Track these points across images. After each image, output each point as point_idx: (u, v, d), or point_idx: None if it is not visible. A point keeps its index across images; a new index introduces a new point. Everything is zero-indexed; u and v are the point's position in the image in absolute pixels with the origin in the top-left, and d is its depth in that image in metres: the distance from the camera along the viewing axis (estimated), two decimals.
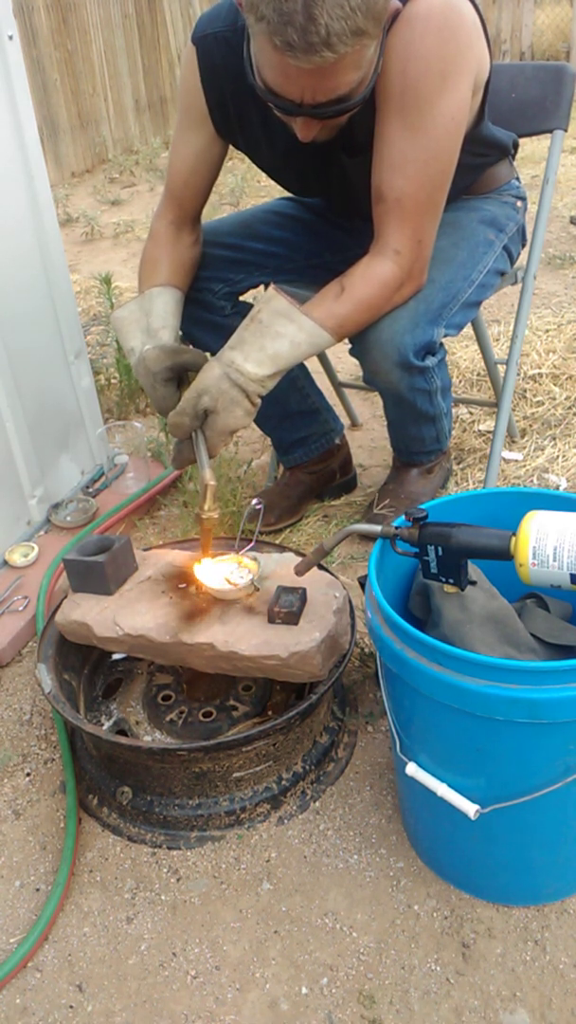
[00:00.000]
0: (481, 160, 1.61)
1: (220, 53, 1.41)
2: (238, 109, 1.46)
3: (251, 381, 1.31)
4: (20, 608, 1.70)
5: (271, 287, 1.35)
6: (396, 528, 1.06)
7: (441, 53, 1.27)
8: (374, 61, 1.24)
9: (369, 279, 1.39)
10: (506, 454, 2.14)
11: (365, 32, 1.12)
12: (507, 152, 1.68)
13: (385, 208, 1.37)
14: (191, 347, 1.43)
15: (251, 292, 1.74)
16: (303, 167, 1.54)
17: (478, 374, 2.56)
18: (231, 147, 1.57)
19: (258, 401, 1.34)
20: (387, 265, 1.39)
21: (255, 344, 1.32)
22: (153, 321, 1.46)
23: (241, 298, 1.74)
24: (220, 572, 1.36)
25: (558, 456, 2.12)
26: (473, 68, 1.33)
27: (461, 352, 2.69)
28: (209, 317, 1.68)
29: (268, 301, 1.33)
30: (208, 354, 1.38)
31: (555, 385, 2.40)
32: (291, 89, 1.20)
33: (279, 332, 1.32)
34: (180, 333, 1.55)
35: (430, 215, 1.40)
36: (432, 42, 1.26)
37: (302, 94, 1.20)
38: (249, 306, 1.72)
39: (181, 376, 1.40)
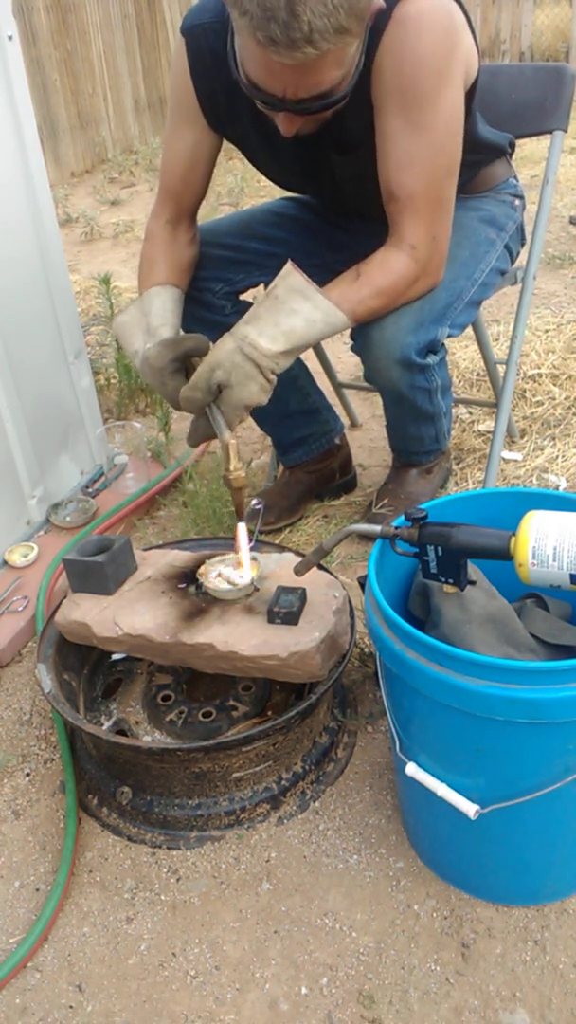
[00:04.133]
0: (475, 158, 1.61)
1: (209, 44, 1.40)
2: (228, 101, 1.45)
3: (265, 356, 1.29)
4: (20, 608, 1.70)
5: (288, 263, 1.34)
6: (396, 528, 1.06)
7: (435, 51, 1.28)
8: (356, 59, 1.25)
9: (386, 269, 1.39)
10: (506, 454, 2.14)
11: (347, 30, 1.13)
12: (503, 152, 1.68)
13: (398, 206, 1.38)
14: (191, 334, 1.41)
15: (251, 292, 1.74)
16: (292, 162, 1.54)
17: (478, 374, 2.56)
18: (230, 147, 1.57)
19: (273, 378, 1.32)
20: (403, 258, 1.39)
21: (269, 320, 1.31)
22: (152, 320, 1.45)
23: (241, 297, 1.74)
24: (220, 572, 1.36)
25: (558, 456, 2.12)
26: (463, 64, 1.34)
27: (461, 352, 2.69)
28: (210, 316, 1.67)
29: (285, 277, 1.32)
30: (210, 341, 1.38)
31: (555, 385, 2.40)
32: (273, 84, 1.20)
33: (294, 309, 1.31)
34: (181, 331, 1.54)
35: (442, 210, 1.40)
36: (426, 40, 1.27)
37: (284, 89, 1.20)
38: (249, 305, 1.72)
39: (188, 366, 1.39)
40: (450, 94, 1.32)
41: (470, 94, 1.42)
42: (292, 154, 1.48)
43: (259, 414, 1.38)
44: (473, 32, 1.37)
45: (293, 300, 1.31)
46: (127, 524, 1.99)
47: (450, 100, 1.33)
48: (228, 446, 1.30)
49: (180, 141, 1.52)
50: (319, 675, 1.22)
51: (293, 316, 1.31)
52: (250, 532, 1.43)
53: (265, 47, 1.12)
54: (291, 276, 1.32)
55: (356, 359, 1.57)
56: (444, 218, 1.41)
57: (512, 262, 1.75)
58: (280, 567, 1.38)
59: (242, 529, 1.36)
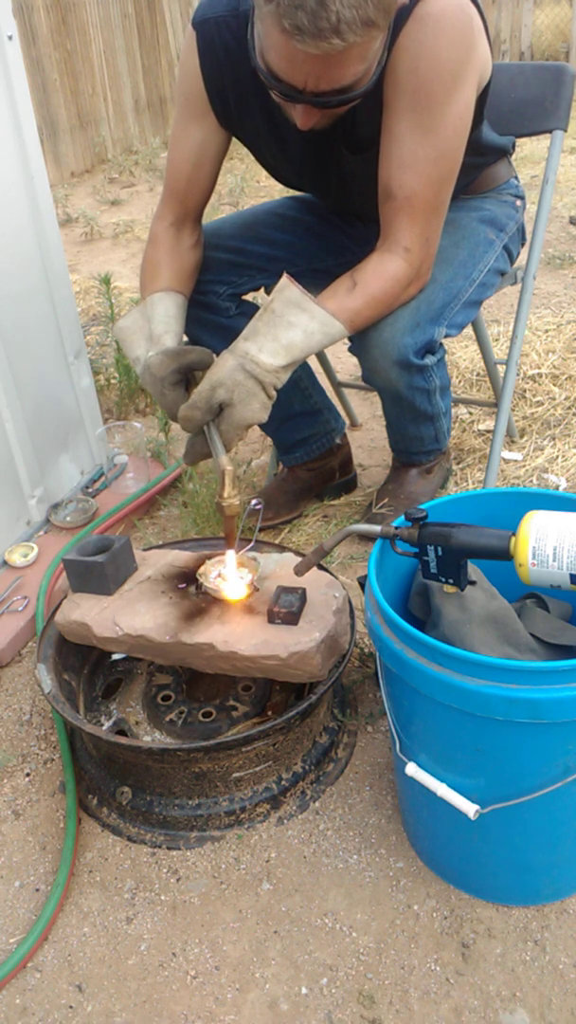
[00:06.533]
0: (480, 160, 1.61)
1: (220, 38, 1.40)
2: (238, 97, 1.44)
3: (267, 372, 1.29)
4: (20, 608, 1.70)
5: (284, 276, 1.33)
6: (396, 528, 1.06)
7: (452, 53, 1.27)
8: (379, 55, 1.24)
9: (381, 275, 1.39)
10: (506, 454, 2.14)
11: (375, 24, 1.12)
12: (505, 153, 1.68)
13: (395, 206, 1.37)
14: (195, 346, 1.41)
15: (253, 293, 1.74)
16: (302, 160, 1.53)
17: (478, 374, 2.56)
18: (230, 146, 1.56)
19: (274, 394, 1.32)
20: (397, 262, 1.39)
21: (269, 334, 1.30)
22: (155, 327, 1.44)
23: (244, 298, 1.74)
24: (220, 572, 1.36)
25: (558, 456, 2.12)
26: (478, 68, 1.33)
27: (461, 352, 2.69)
28: (213, 319, 1.67)
29: (281, 291, 1.32)
30: (214, 354, 1.37)
31: (555, 385, 2.40)
32: (295, 75, 1.19)
33: (292, 322, 1.31)
34: (185, 339, 1.53)
35: (437, 214, 1.40)
36: (445, 42, 1.26)
37: (305, 81, 1.19)
38: (253, 306, 1.71)
39: (188, 378, 1.38)
40: (462, 98, 1.31)
41: (482, 98, 1.42)
42: (303, 151, 1.48)
43: None
44: (488, 36, 1.36)
45: (290, 313, 1.31)
46: (127, 524, 1.99)
47: (461, 104, 1.32)
48: (225, 473, 1.26)
49: (187, 138, 1.51)
50: (319, 675, 1.22)
51: (291, 329, 1.31)
52: (249, 531, 1.43)
53: (290, 36, 1.10)
54: (287, 289, 1.32)
55: (356, 359, 1.57)
56: (438, 221, 1.41)
57: (512, 262, 1.75)
58: (280, 567, 1.38)
59: (231, 556, 1.35)
